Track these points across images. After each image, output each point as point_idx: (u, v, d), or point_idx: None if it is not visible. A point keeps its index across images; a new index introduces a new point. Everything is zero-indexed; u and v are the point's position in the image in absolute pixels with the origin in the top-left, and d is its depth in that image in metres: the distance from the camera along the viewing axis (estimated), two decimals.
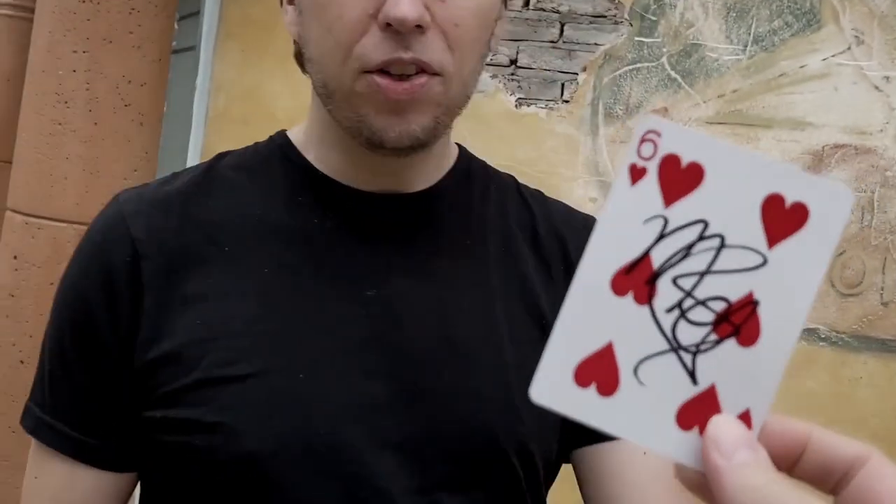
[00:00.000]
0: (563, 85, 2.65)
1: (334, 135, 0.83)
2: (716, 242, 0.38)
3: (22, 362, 2.38)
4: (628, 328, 0.39)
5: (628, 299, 0.39)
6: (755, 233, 0.38)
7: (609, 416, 0.39)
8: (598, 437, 0.82)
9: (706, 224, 0.38)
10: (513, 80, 2.67)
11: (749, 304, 0.38)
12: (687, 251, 0.38)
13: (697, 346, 0.39)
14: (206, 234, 0.82)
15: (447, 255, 0.85)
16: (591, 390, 0.39)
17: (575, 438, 0.86)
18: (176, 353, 0.78)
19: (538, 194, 0.96)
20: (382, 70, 0.74)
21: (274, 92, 2.93)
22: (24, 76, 2.44)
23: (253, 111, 2.94)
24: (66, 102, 2.31)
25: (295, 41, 0.84)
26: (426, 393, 0.79)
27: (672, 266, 0.38)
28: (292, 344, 0.78)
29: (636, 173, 0.38)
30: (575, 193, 2.52)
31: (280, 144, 0.89)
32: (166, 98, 2.49)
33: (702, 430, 0.38)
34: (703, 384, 0.39)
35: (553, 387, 0.39)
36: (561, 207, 0.95)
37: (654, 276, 0.39)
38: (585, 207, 2.18)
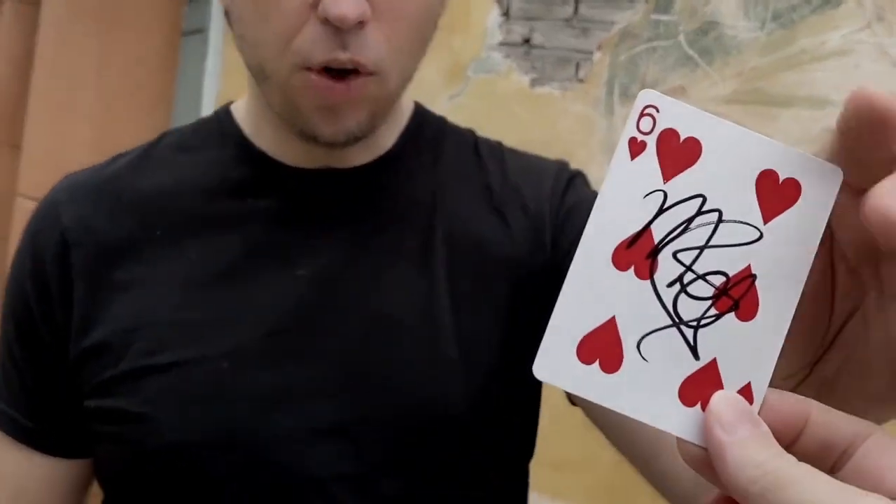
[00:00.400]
0: (577, 64, 2.61)
1: (269, 111, 0.81)
2: (714, 217, 0.38)
3: None
4: (630, 303, 0.38)
5: (629, 274, 0.39)
6: (751, 207, 0.38)
7: (612, 392, 0.38)
8: None
9: (704, 198, 0.38)
10: (526, 59, 2.64)
11: (747, 278, 0.38)
12: (686, 225, 0.39)
13: (698, 320, 0.39)
14: (137, 219, 0.80)
15: (387, 228, 0.83)
16: (595, 367, 0.38)
17: None
18: (105, 342, 0.77)
19: (496, 147, 0.93)
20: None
21: None
22: (32, 60, 2.42)
23: None
24: (75, 86, 2.30)
25: (225, 7, 0.80)
26: (358, 374, 0.77)
27: (672, 240, 0.39)
28: (217, 331, 0.77)
29: (636, 147, 0.38)
30: (591, 174, 2.49)
31: (221, 119, 0.87)
32: (176, 81, 2.47)
33: (704, 406, 0.38)
34: (704, 359, 0.39)
35: (555, 363, 0.38)
36: (518, 158, 0.93)
37: (655, 251, 0.39)
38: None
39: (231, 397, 0.75)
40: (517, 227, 0.85)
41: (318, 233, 0.81)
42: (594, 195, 0.83)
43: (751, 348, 0.38)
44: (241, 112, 0.87)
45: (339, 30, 0.70)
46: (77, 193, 0.83)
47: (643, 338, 0.39)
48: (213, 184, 0.83)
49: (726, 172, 0.38)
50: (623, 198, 0.38)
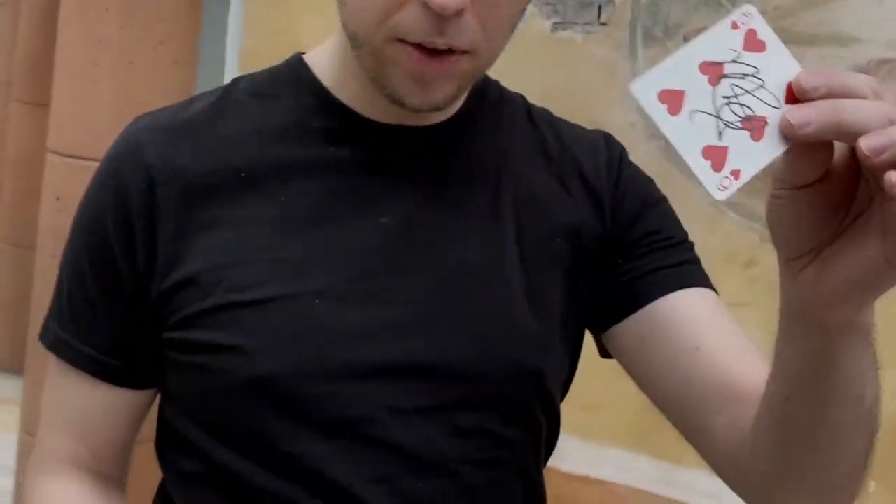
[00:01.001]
0: (599, 7, 2.60)
1: (357, 67, 0.83)
2: (759, 83, 0.61)
3: None
4: (698, 90, 0.60)
5: (705, 77, 0.60)
6: (780, 93, 0.61)
7: (667, 124, 0.59)
8: (666, 290, 0.88)
9: (757, 70, 0.61)
10: (548, 3, 2.62)
11: (763, 122, 0.60)
12: (743, 76, 0.60)
13: (728, 122, 0.60)
14: (220, 161, 0.84)
15: (460, 184, 0.88)
16: (664, 106, 0.60)
17: (627, 306, 0.89)
18: (194, 278, 0.81)
19: (546, 114, 0.97)
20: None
21: (305, 29, 2.91)
22: (55, 18, 2.44)
23: (285, 49, 2.92)
24: (100, 42, 2.32)
25: None
26: (438, 318, 0.83)
27: (733, 77, 0.60)
28: (306, 270, 0.81)
29: (734, 25, 0.61)
30: (614, 119, 2.49)
31: (296, 69, 0.90)
32: (199, 37, 2.48)
33: (714, 166, 0.59)
34: (722, 142, 0.60)
35: (645, 90, 0.60)
36: (567, 126, 0.97)
37: (723, 76, 0.61)
38: (625, 132, 2.14)
39: (321, 332, 0.80)
40: (577, 194, 0.91)
41: (397, 185, 0.86)
42: (640, 171, 0.95)
43: (750, 153, 0.59)
44: (320, 64, 0.90)
45: (439, 16, 0.73)
46: (159, 134, 0.86)
47: (695, 111, 0.60)
48: (294, 131, 0.86)
49: (775, 68, 0.61)
50: (719, 42, 0.60)
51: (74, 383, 0.87)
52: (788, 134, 0.57)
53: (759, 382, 0.77)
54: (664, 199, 0.96)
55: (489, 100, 0.93)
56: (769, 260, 2.22)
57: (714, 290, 0.93)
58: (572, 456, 1.11)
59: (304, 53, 0.92)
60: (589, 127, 1.00)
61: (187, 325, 0.81)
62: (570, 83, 2.53)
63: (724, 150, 0.60)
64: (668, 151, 2.47)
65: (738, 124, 0.60)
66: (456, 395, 0.82)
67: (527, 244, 0.88)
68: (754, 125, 0.60)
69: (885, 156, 0.55)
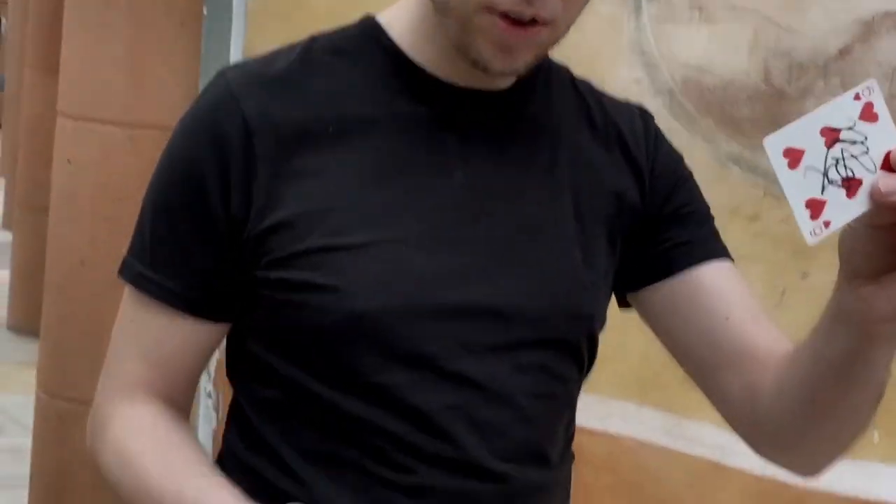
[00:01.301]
0: None
1: (436, 31, 0.91)
2: (865, 149, 0.71)
3: (82, 262, 2.46)
4: (814, 150, 0.71)
5: (823, 139, 0.71)
6: (879, 160, 0.71)
7: (783, 175, 0.71)
8: (681, 266, 1.01)
9: (866, 138, 0.71)
10: None
11: (859, 183, 0.71)
12: (854, 142, 0.71)
13: (832, 180, 0.71)
14: (310, 114, 0.92)
15: (522, 144, 0.97)
16: (785, 161, 0.71)
17: (662, 272, 1.01)
18: (289, 222, 0.89)
19: (587, 83, 1.06)
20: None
21: None
22: None
23: (293, 6, 2.93)
24: (107, 5, 2.34)
25: None
26: (507, 264, 0.93)
27: (846, 142, 0.71)
28: (391, 219, 0.91)
29: (857, 97, 0.71)
30: (619, 75, 2.50)
31: (372, 30, 0.96)
32: None
33: (812, 215, 0.71)
34: (822, 196, 0.70)
35: (774, 145, 0.71)
36: (607, 97, 1.06)
37: (838, 140, 0.71)
38: (630, 89, 2.13)
39: (407, 276, 0.90)
40: (619, 163, 1.02)
41: (469, 142, 0.95)
42: (673, 148, 1.06)
43: (841, 207, 0.70)
44: (396, 27, 0.96)
45: None
46: (252, 85, 0.92)
47: (808, 167, 0.71)
48: (375, 89, 0.94)
49: (881, 139, 0.71)
50: (840, 112, 0.72)
51: (155, 316, 0.93)
52: (877, 199, 0.70)
53: (772, 348, 0.95)
54: (692, 175, 1.07)
55: (542, 68, 0.99)
56: (773, 214, 2.25)
57: (731, 258, 1.05)
58: (578, 409, 1.15)
59: (373, 15, 0.98)
60: (596, 83, 1.08)
61: (283, 265, 0.89)
62: (575, 39, 2.54)
63: (823, 202, 0.71)
64: (673, 108, 2.48)
65: (839, 183, 0.71)
66: (520, 335, 0.93)
67: (581, 201, 0.98)
68: (852, 185, 0.71)
69: None
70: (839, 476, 2.27)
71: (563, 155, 0.98)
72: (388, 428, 0.88)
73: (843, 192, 0.71)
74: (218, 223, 0.90)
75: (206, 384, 3.00)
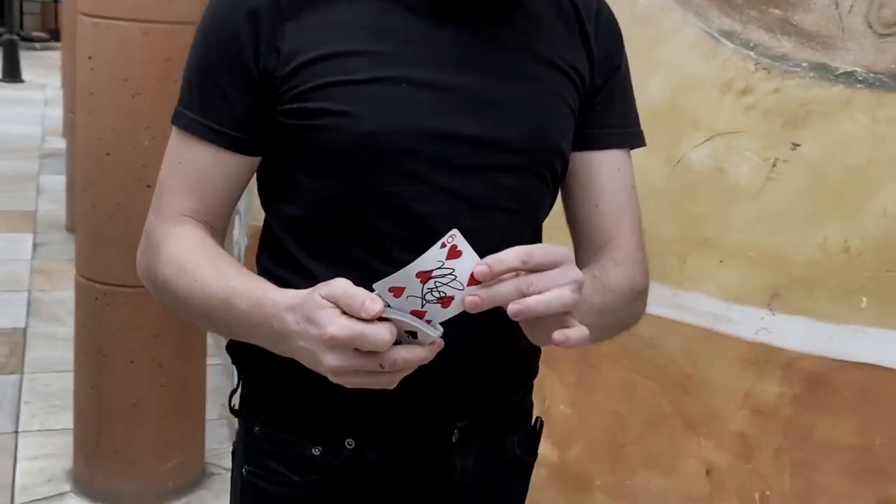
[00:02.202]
0: None
1: None
2: (454, 277, 0.88)
3: (108, 154, 2.61)
4: (412, 286, 0.89)
5: (418, 280, 0.88)
6: (465, 281, 0.89)
7: (393, 302, 0.89)
8: (588, 146, 1.18)
9: (453, 270, 0.88)
10: None
11: (451, 298, 0.89)
12: (443, 276, 0.88)
13: (428, 300, 0.89)
14: None
15: (503, 14, 1.13)
16: (391, 293, 0.89)
17: (576, 145, 1.19)
18: (308, 63, 1.06)
19: None
20: None
21: None
22: None
23: None
24: None
25: None
26: (492, 103, 1.09)
27: (436, 277, 0.88)
28: (398, 62, 1.08)
29: (443, 245, 0.88)
30: None
31: None
32: None
33: (422, 320, 0.90)
34: (422, 309, 0.90)
35: (382, 286, 0.90)
36: None
37: (430, 277, 0.88)
38: None
39: (407, 105, 1.06)
40: (575, 37, 1.18)
41: (461, 6, 1.10)
42: (617, 28, 1.23)
43: (440, 314, 0.90)
44: None
45: None
46: None
47: (409, 296, 0.89)
48: None
49: (466, 265, 0.88)
50: (431, 258, 0.88)
51: (201, 155, 1.11)
52: (470, 306, 0.89)
53: (611, 242, 1.16)
54: (626, 66, 1.23)
55: None
56: (764, 86, 2.29)
57: (644, 144, 1.25)
58: None
59: None
60: None
61: (303, 97, 1.06)
62: None
63: (424, 312, 0.89)
64: None
65: (435, 301, 0.89)
66: (496, 160, 1.10)
67: (555, 63, 1.15)
68: (445, 300, 0.89)
69: (517, 315, 0.89)
70: (828, 339, 2.35)
71: (539, 26, 1.14)
72: (391, 231, 1.06)
73: (439, 305, 0.89)
74: (252, 73, 1.07)
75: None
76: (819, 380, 2.40)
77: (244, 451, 1.14)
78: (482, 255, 1.03)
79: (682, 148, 2.44)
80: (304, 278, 1.05)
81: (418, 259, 0.88)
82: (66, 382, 3.36)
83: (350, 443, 1.07)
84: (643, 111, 2.43)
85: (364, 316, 0.85)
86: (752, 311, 2.44)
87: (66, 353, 3.42)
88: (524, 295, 0.87)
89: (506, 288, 0.88)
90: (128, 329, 2.66)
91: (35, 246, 5.38)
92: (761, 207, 2.38)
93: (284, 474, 1.09)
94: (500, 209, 1.10)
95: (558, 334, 0.88)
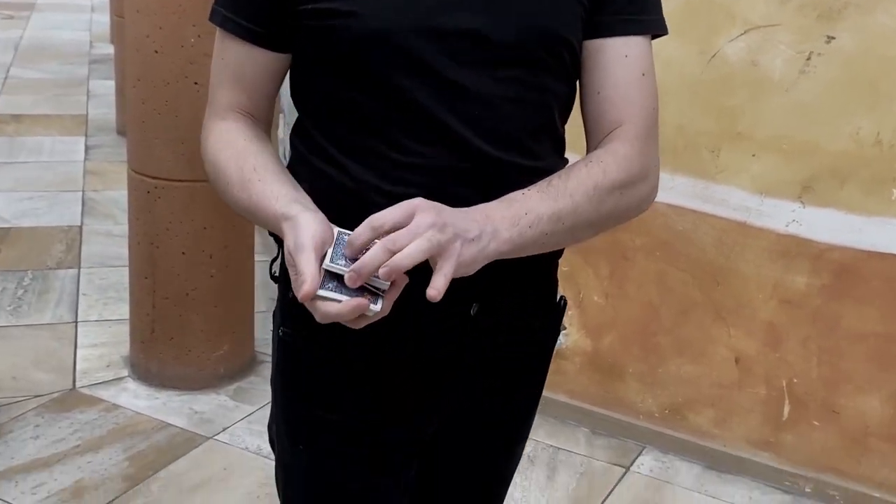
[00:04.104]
0: None
1: None
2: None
3: (156, 52, 2.68)
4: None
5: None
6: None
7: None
8: (596, 33, 1.17)
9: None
10: None
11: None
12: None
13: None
14: None
15: None
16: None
17: (588, 31, 1.18)
18: None
19: None
20: None
21: None
22: None
23: None
24: None
25: None
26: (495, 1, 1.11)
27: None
28: None
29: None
30: None
31: None
32: None
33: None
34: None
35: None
36: None
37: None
38: None
39: (412, 3, 1.10)
40: None
41: None
42: None
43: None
44: None
45: None
46: None
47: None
48: None
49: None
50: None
51: (237, 50, 1.19)
52: (350, 282, 0.96)
53: (613, 131, 1.15)
54: None
55: None
56: None
57: (664, 32, 1.20)
58: None
59: None
60: None
61: None
62: None
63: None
64: None
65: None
66: (497, 54, 1.11)
67: None
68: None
69: (389, 276, 0.95)
70: (858, 231, 2.40)
71: None
72: (400, 121, 1.11)
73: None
74: None
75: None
76: (847, 270, 2.46)
77: (280, 313, 1.24)
78: (492, 141, 1.12)
79: (718, 41, 2.46)
80: (329, 164, 1.15)
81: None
82: (121, 276, 3.51)
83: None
84: (680, 4, 2.46)
85: (298, 294, 0.96)
86: (783, 203, 2.49)
87: (120, 249, 3.56)
88: (393, 253, 0.94)
89: (374, 252, 0.95)
90: (178, 221, 2.76)
91: (87, 148, 5.51)
92: (795, 100, 2.41)
93: (314, 335, 1.17)
94: (506, 100, 1.12)
95: (429, 291, 0.94)
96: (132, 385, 2.99)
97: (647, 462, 2.74)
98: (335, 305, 0.95)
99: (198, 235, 2.81)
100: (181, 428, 2.76)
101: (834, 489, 2.57)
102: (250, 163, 1.13)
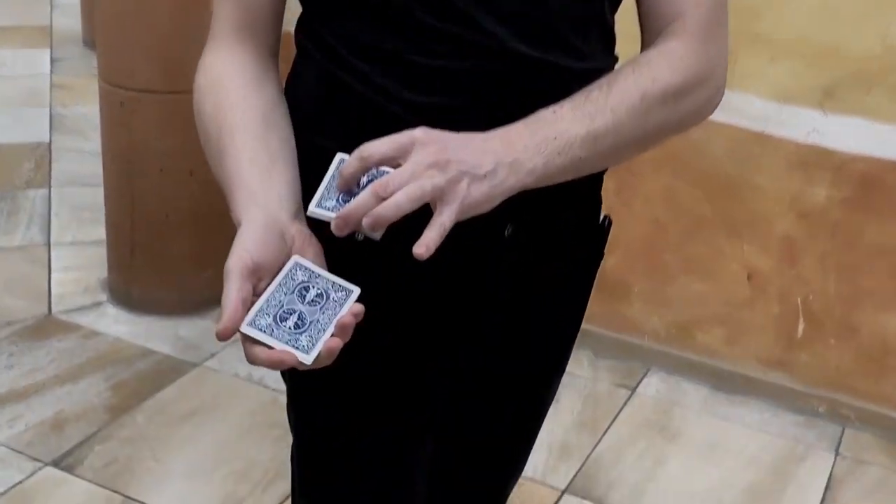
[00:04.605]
0: None
1: None
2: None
3: None
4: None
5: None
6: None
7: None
8: None
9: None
10: None
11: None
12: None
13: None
14: None
15: None
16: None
17: None
18: None
19: None
20: None
21: None
22: None
23: None
24: None
25: None
26: None
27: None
28: None
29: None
30: None
31: None
32: None
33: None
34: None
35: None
36: None
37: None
38: None
39: None
40: None
41: None
42: None
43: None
44: None
45: None
46: None
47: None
48: None
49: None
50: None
51: None
52: (336, 230, 0.83)
53: (668, 27, 0.99)
54: None
55: None
56: None
57: None
58: None
59: None
60: None
61: None
62: None
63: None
64: None
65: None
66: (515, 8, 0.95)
67: None
68: None
69: (374, 228, 0.82)
70: (884, 140, 2.27)
71: None
72: (423, 20, 0.94)
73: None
74: None
75: None
76: (871, 182, 2.33)
77: None
78: (530, 38, 0.96)
79: None
80: (350, 74, 0.98)
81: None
82: (95, 196, 3.32)
83: None
84: None
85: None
86: (803, 111, 2.34)
87: (94, 167, 3.37)
88: (382, 199, 0.80)
89: (362, 198, 0.81)
90: (155, 137, 2.59)
91: (53, 61, 5.24)
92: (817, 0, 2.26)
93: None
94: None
95: (415, 248, 0.80)
96: (112, 310, 2.84)
97: (654, 383, 2.65)
98: (262, 352, 0.81)
99: (176, 151, 2.64)
100: (166, 355, 2.62)
101: (848, 409, 2.49)
102: (230, 122, 0.96)
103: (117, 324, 2.76)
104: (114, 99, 2.62)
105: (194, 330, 2.75)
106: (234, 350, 2.65)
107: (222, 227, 2.84)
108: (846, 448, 2.43)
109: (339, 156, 0.86)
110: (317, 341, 0.82)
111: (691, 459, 2.35)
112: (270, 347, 0.81)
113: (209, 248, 2.79)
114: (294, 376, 1.09)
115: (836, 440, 2.46)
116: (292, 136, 0.99)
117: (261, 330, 0.81)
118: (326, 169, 0.91)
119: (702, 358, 2.63)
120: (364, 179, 0.85)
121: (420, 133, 0.83)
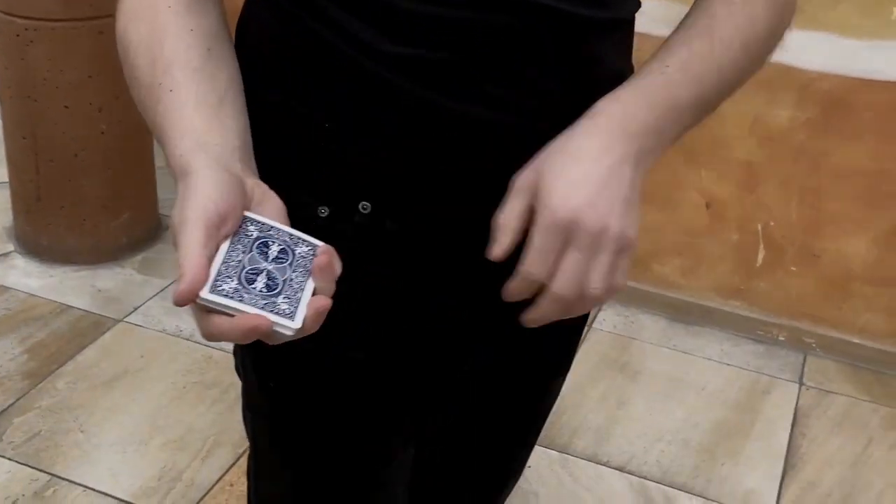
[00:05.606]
0: None
1: None
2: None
3: None
4: None
5: None
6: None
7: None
8: None
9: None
10: None
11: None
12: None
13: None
14: None
15: None
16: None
17: None
18: None
19: None
20: None
21: None
22: None
23: None
24: None
25: None
26: None
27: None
28: None
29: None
30: None
31: None
32: None
33: None
34: None
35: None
36: None
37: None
38: None
39: None
40: None
41: None
42: None
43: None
44: None
45: None
46: None
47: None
48: None
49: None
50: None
51: None
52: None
53: None
54: None
55: None
56: None
57: None
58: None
59: None
60: None
61: None
62: None
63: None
64: None
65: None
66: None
67: None
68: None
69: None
70: (852, 56, 2.15)
71: None
72: None
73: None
74: None
75: None
76: (838, 102, 2.21)
77: None
78: None
79: None
80: (318, 20, 0.80)
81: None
82: None
83: (365, 206, 0.82)
84: None
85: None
86: None
87: None
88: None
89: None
90: (57, 70, 2.33)
91: None
92: None
93: None
94: None
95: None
96: (20, 262, 2.60)
97: (609, 318, 2.54)
98: (225, 321, 0.64)
99: (82, 85, 2.39)
100: (84, 310, 2.40)
101: (810, 336, 2.41)
102: (167, 54, 0.77)
103: (28, 277, 2.53)
104: (10, 29, 2.35)
105: (113, 280, 2.53)
106: (160, 301, 2.45)
107: (138, 168, 2.62)
108: (809, 378, 2.36)
109: (248, 215, 0.68)
110: (298, 303, 0.65)
111: (655, 399, 2.25)
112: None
113: (124, 190, 2.56)
114: (273, 387, 0.92)
115: (799, 369, 2.39)
116: (240, 74, 0.79)
117: (226, 296, 0.63)
118: (274, 129, 0.75)
119: (658, 289, 2.53)
120: (274, 248, 0.69)
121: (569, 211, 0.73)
